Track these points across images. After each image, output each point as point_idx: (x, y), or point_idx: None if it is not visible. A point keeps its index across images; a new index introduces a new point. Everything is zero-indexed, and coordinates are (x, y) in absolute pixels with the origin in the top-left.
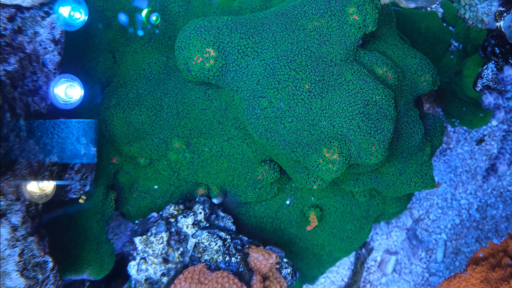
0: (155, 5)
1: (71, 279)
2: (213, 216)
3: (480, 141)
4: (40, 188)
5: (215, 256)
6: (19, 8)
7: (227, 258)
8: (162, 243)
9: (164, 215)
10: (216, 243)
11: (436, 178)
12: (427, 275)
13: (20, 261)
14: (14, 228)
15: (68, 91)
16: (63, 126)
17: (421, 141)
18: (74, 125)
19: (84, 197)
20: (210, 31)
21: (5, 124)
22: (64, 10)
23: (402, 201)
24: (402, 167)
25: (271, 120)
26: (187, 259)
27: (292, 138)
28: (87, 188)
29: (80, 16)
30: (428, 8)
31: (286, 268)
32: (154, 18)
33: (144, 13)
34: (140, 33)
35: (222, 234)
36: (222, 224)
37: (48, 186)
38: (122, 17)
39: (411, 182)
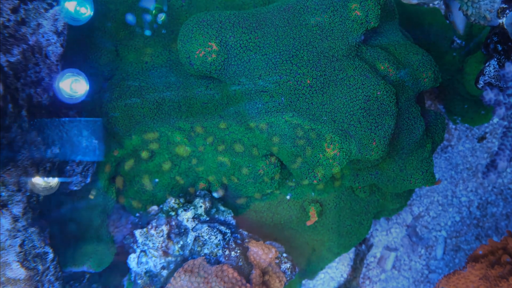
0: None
1: (72, 271)
2: (214, 210)
3: (481, 139)
4: (45, 180)
5: (215, 250)
6: None
7: (227, 252)
8: (162, 236)
9: (164, 208)
10: (216, 237)
11: (436, 175)
12: (426, 272)
13: (20, 252)
14: (15, 219)
15: (73, 85)
16: (71, 125)
17: (422, 138)
18: (82, 123)
19: (94, 193)
20: (213, 25)
21: (8, 115)
22: (70, 5)
23: (402, 198)
24: (402, 163)
25: (272, 115)
26: (187, 252)
27: (293, 132)
28: (88, 180)
29: (86, 11)
30: (431, 5)
31: (285, 263)
32: (159, 15)
33: (150, 9)
34: (148, 33)
35: (222, 228)
36: (222, 218)
37: (53, 179)
38: (130, 18)
39: (411, 179)
